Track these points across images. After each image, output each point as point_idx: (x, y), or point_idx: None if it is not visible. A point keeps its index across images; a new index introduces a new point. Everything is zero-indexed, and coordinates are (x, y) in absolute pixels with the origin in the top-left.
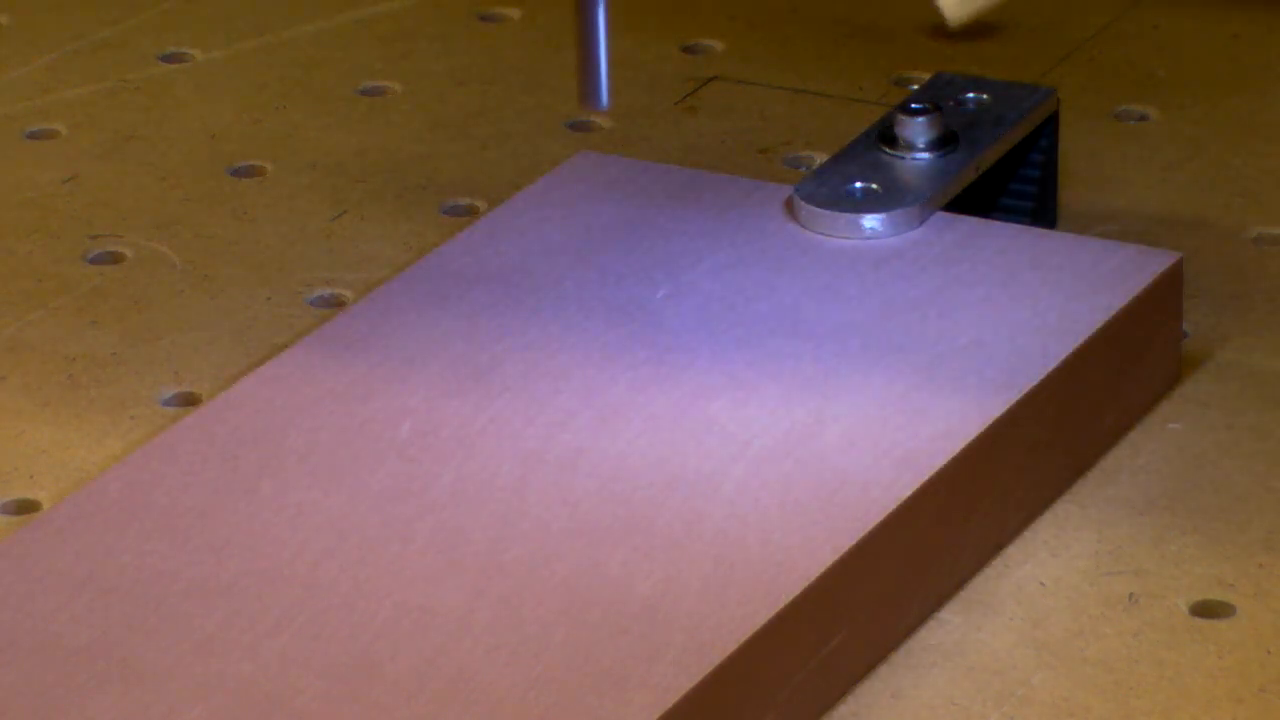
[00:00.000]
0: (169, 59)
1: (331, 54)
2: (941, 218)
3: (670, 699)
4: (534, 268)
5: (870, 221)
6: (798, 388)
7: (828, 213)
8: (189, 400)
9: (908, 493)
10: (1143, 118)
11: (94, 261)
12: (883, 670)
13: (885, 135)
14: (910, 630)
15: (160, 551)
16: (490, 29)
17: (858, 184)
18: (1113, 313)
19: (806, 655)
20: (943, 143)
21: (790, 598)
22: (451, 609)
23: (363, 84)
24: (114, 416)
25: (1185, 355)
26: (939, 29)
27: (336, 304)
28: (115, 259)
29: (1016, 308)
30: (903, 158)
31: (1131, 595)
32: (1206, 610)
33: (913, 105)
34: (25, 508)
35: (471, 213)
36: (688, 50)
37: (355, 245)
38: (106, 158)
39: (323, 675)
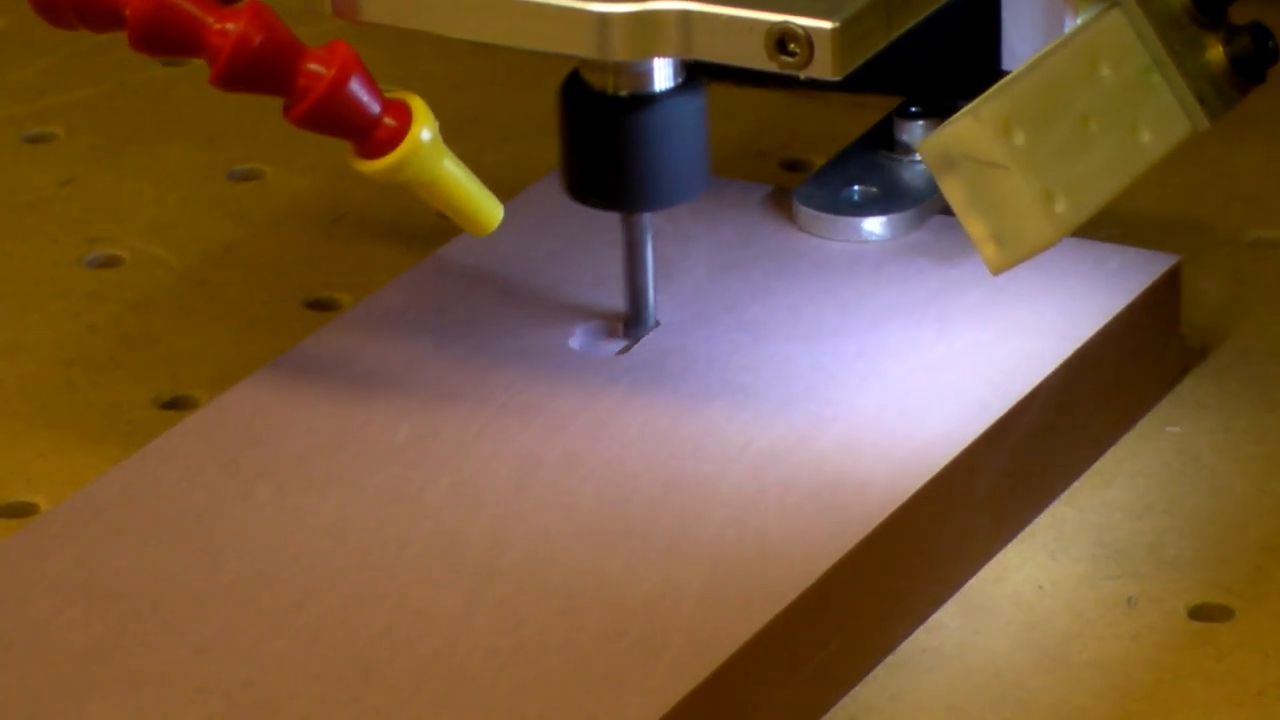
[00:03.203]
0: (167, 62)
1: None
2: (940, 221)
3: (668, 702)
4: (532, 271)
5: (869, 225)
6: (796, 391)
7: (826, 216)
8: (186, 404)
9: (906, 496)
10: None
11: (92, 265)
12: (880, 673)
13: (884, 138)
14: (908, 633)
15: (157, 555)
16: None
17: (856, 187)
18: (1111, 316)
19: (804, 658)
20: None
21: (788, 601)
22: (449, 612)
23: None
24: (111, 420)
25: (1184, 358)
26: None
27: (334, 307)
28: (113, 262)
29: (1014, 310)
30: (901, 161)
31: (1130, 599)
32: (1205, 614)
33: (911, 109)
34: (22, 511)
35: None
36: None
37: (353, 249)
38: (105, 161)
39: (320, 679)
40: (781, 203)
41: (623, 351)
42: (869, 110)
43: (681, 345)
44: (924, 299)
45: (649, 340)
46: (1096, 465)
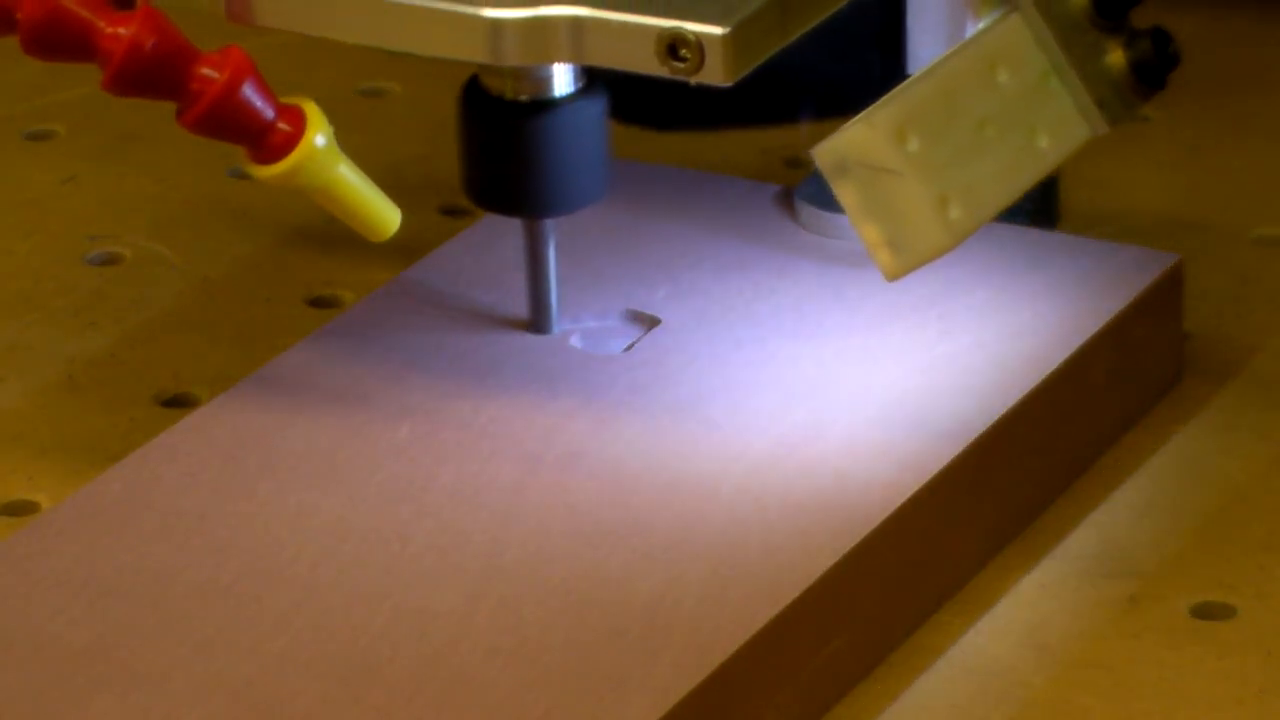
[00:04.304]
0: None
1: (331, 55)
2: None
3: (669, 701)
4: None
5: None
6: (797, 389)
7: (828, 214)
8: (187, 402)
9: (908, 495)
10: (1143, 118)
11: (93, 263)
12: (882, 672)
13: None
14: (910, 632)
15: (159, 553)
16: None
17: None
18: (1113, 314)
19: (806, 657)
20: None
21: (790, 600)
22: (450, 611)
23: (362, 85)
24: (113, 418)
25: (1186, 357)
26: None
27: (336, 305)
28: (114, 260)
29: (1017, 309)
30: None
31: (1132, 597)
32: (1207, 612)
33: None
34: (24, 509)
35: (471, 213)
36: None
37: (354, 246)
38: (105, 159)
39: (322, 677)
40: (783, 201)
41: (627, 349)
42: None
43: (683, 344)
44: (926, 298)
45: (650, 339)
46: (1098, 463)
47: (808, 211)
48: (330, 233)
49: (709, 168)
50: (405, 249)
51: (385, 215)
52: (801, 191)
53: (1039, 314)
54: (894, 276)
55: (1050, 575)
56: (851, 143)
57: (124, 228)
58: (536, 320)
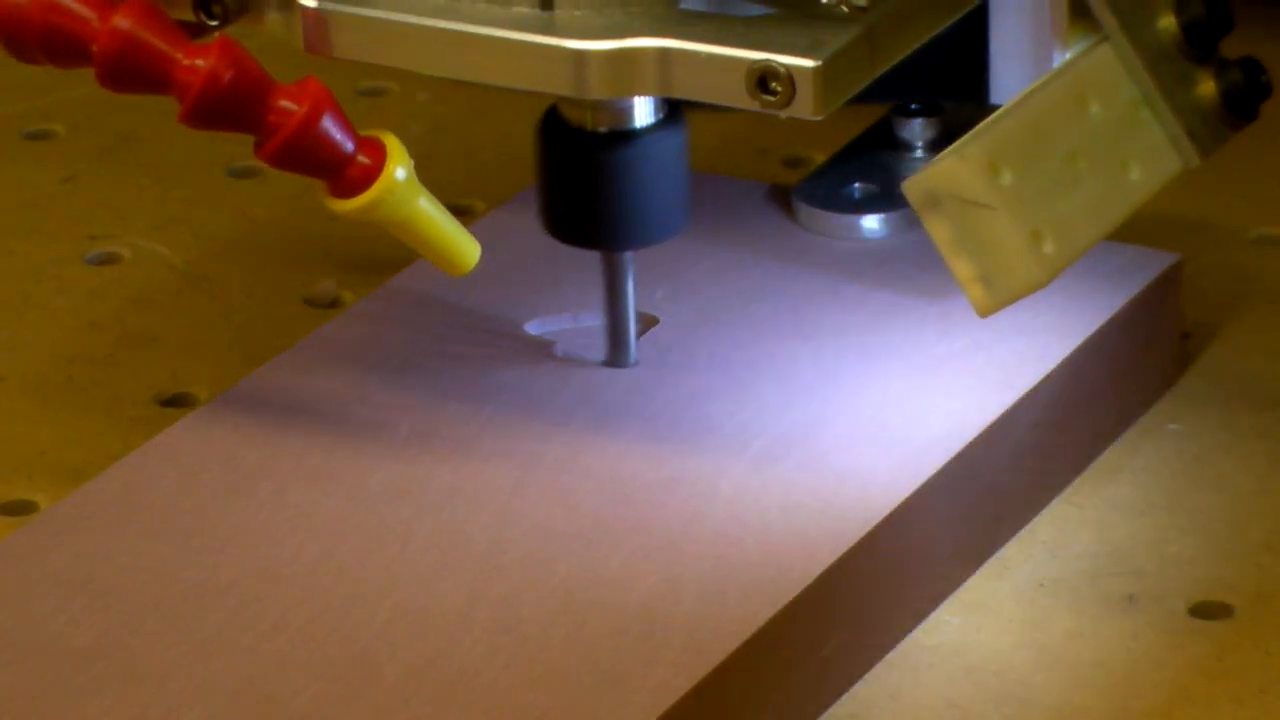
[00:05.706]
0: None
1: None
2: None
3: (669, 700)
4: (533, 268)
5: (869, 222)
6: (796, 389)
7: (826, 213)
8: (187, 401)
9: (906, 494)
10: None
11: (92, 262)
12: (881, 671)
13: (884, 136)
14: (909, 631)
15: (158, 553)
16: None
17: (856, 185)
18: (1112, 313)
19: (805, 656)
20: (942, 143)
21: (789, 599)
22: (450, 610)
23: (362, 84)
24: (112, 417)
25: (1185, 356)
26: None
27: (336, 305)
28: (114, 260)
29: (1015, 308)
30: (902, 158)
31: (1131, 596)
32: (1206, 611)
33: (911, 106)
34: (23, 509)
35: (471, 213)
36: None
37: (354, 246)
38: (105, 158)
39: (321, 676)
40: (782, 200)
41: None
42: (869, 108)
43: (682, 343)
44: (925, 297)
45: (649, 338)
46: (1097, 462)
47: (806, 211)
48: (330, 233)
49: (708, 167)
50: (405, 249)
51: (465, 249)
52: (800, 191)
53: (1038, 313)
54: (987, 313)
55: (1049, 574)
56: (943, 176)
57: (123, 227)
58: (614, 354)
